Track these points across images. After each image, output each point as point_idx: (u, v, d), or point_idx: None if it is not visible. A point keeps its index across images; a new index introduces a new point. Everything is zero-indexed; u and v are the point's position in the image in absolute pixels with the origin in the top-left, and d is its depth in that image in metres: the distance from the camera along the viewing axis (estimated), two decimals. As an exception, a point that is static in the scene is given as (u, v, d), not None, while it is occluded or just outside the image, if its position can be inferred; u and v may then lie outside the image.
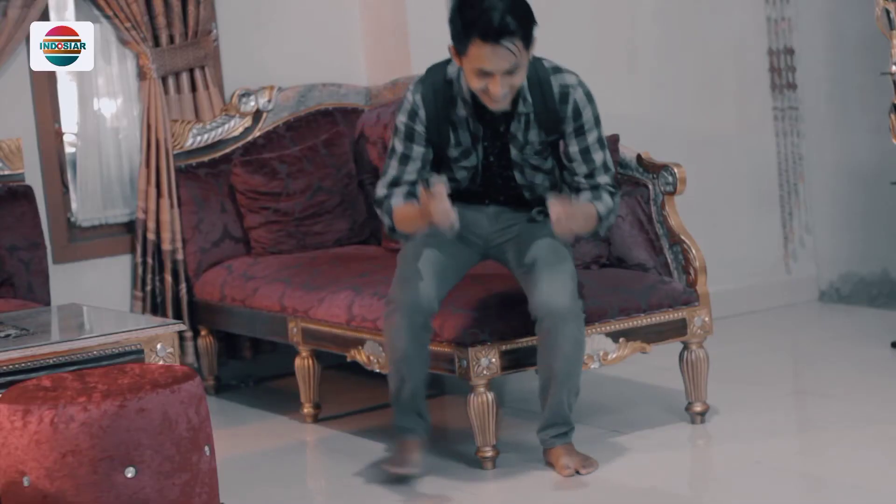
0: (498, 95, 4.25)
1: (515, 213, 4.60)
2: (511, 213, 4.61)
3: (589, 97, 4.45)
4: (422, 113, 4.42)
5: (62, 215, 5.88)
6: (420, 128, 4.43)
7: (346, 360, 5.12)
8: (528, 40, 4.22)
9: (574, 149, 4.44)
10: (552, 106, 4.39)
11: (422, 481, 4.53)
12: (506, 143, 4.46)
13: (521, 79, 4.27)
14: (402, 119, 4.45)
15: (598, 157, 4.45)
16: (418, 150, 4.46)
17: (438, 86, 4.42)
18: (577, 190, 4.47)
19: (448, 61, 4.45)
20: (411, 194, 4.44)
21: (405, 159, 4.46)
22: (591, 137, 4.44)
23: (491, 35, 4.14)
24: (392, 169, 4.48)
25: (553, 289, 4.33)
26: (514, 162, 4.49)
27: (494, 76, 4.21)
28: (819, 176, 6.87)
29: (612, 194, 4.47)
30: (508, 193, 4.58)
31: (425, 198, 4.25)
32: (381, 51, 6.31)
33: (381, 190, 4.51)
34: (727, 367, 5.58)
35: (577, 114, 4.42)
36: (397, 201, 4.46)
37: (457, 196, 4.43)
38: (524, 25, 4.19)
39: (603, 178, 4.45)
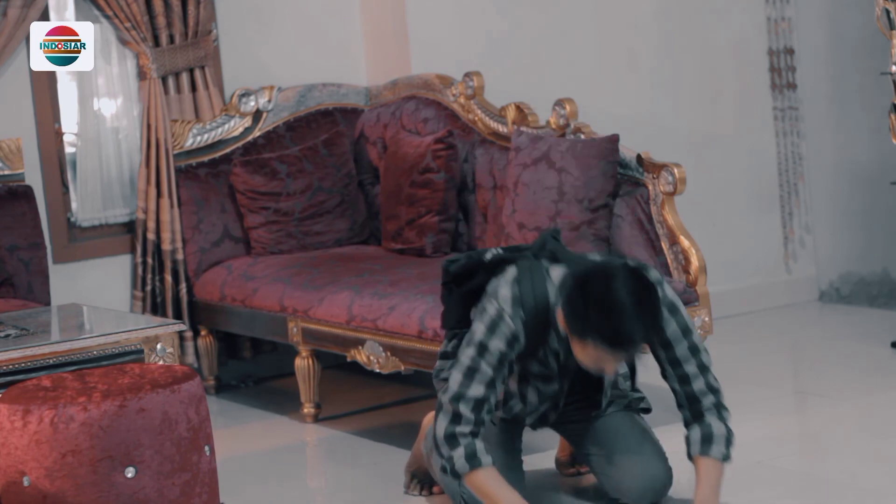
0: (611, 375, 3.92)
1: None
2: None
3: (672, 308, 3.91)
4: (522, 340, 3.88)
5: (62, 215, 5.88)
6: (514, 355, 3.90)
7: (346, 360, 5.12)
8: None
9: (664, 357, 3.96)
10: None
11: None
12: (600, 378, 4.06)
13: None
14: (498, 345, 3.85)
15: (689, 366, 3.95)
16: (506, 373, 3.93)
17: (541, 313, 3.88)
18: (683, 409, 4.02)
19: (539, 272, 3.91)
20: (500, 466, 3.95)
21: (493, 383, 3.88)
22: (681, 349, 3.94)
23: (618, 346, 3.70)
24: (475, 390, 3.87)
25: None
26: (604, 388, 4.12)
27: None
28: (819, 176, 6.87)
29: (718, 410, 3.99)
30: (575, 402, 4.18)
31: None
32: (381, 51, 6.31)
33: (464, 411, 3.88)
34: (727, 367, 5.57)
35: (661, 331, 3.90)
36: (486, 460, 3.89)
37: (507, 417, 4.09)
38: (653, 331, 3.76)
39: (707, 400, 3.97)
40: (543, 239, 4.04)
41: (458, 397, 3.86)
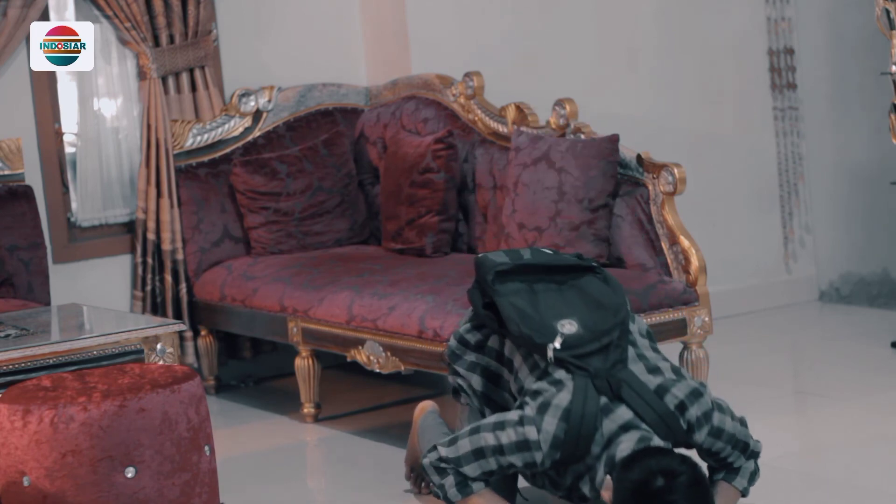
0: None
1: None
2: None
3: (717, 434, 3.74)
4: (542, 468, 3.71)
5: (62, 215, 5.88)
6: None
7: (346, 360, 5.12)
8: None
9: (709, 458, 3.82)
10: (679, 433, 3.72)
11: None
12: None
13: None
14: (515, 461, 3.69)
15: (733, 457, 3.79)
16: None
17: (578, 457, 3.66)
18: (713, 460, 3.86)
19: (592, 411, 3.63)
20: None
21: (492, 474, 3.76)
22: (725, 452, 3.77)
23: None
24: (472, 470, 3.73)
25: None
26: None
27: None
28: (819, 176, 6.88)
29: (751, 456, 3.84)
30: None
31: None
32: (381, 51, 6.31)
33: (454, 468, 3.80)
34: (727, 367, 5.58)
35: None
36: (478, 486, 3.79)
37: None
38: None
39: (738, 461, 3.82)
40: (610, 338, 3.74)
41: (454, 461, 3.77)
